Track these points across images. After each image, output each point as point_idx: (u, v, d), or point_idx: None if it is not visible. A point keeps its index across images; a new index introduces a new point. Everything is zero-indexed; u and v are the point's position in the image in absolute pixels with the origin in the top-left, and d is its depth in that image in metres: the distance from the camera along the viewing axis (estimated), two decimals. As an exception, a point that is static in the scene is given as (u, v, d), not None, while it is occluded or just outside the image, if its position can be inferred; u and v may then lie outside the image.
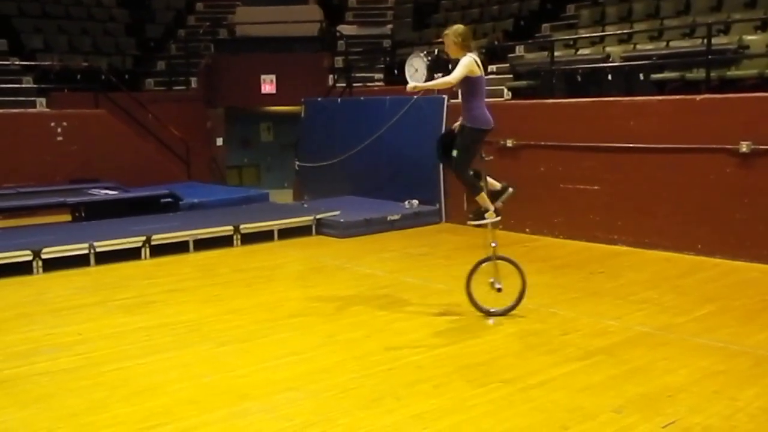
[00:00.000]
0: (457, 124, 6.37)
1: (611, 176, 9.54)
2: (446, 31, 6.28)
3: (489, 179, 6.36)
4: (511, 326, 6.18)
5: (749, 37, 9.66)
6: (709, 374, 4.98)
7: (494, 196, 6.38)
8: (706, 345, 5.58)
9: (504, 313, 6.39)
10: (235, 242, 9.88)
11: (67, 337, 6.07)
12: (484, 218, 6.31)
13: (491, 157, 6.50)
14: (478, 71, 6.08)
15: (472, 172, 6.28)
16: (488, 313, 6.41)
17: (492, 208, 6.28)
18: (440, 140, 6.58)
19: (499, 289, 6.32)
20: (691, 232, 8.79)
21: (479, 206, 6.32)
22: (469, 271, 6.41)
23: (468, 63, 5.99)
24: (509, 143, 10.45)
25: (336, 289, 7.61)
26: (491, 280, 6.35)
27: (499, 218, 6.36)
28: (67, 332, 6.22)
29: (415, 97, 11.06)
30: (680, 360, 5.26)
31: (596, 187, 9.68)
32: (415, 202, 11.53)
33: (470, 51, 6.12)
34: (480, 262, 6.42)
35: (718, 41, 9.65)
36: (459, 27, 6.27)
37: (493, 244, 6.36)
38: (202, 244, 9.59)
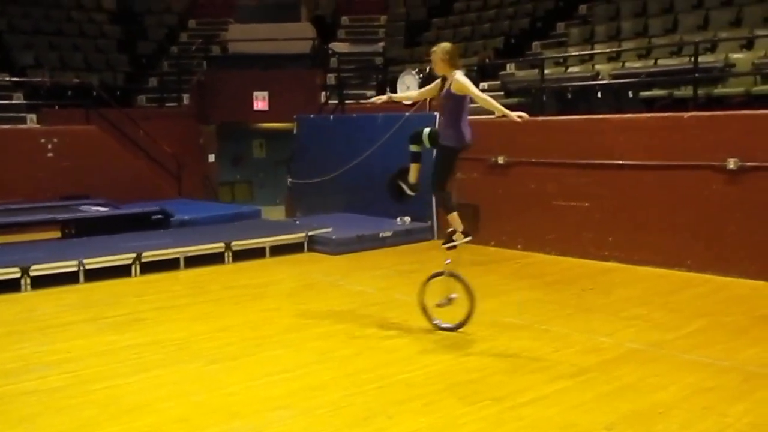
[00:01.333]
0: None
1: (602, 193, 9.58)
2: (434, 48, 6.33)
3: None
4: (502, 343, 6.18)
5: (735, 56, 9.77)
6: (699, 390, 4.99)
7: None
8: (696, 361, 5.60)
9: (452, 329, 6.44)
10: (226, 259, 9.86)
11: (55, 355, 6.03)
12: (453, 240, 6.36)
13: (463, 176, 6.60)
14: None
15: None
16: (438, 327, 6.49)
17: (461, 228, 6.32)
18: (391, 180, 6.74)
19: (439, 305, 6.39)
20: (681, 248, 8.83)
21: (451, 227, 6.38)
22: (422, 284, 6.53)
23: (468, 81, 6.04)
24: (500, 160, 10.49)
25: (327, 306, 7.60)
26: (450, 295, 6.38)
27: (469, 238, 6.39)
28: (56, 350, 6.17)
29: (407, 114, 11.10)
30: (671, 376, 5.27)
31: (587, 204, 9.72)
32: (407, 219, 11.54)
33: (457, 68, 6.17)
34: (433, 276, 6.52)
35: (705, 59, 9.76)
36: (446, 45, 6.32)
37: (447, 261, 6.41)
38: (193, 261, 9.56)
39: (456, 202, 6.46)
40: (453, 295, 6.37)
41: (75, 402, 4.99)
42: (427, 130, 6.42)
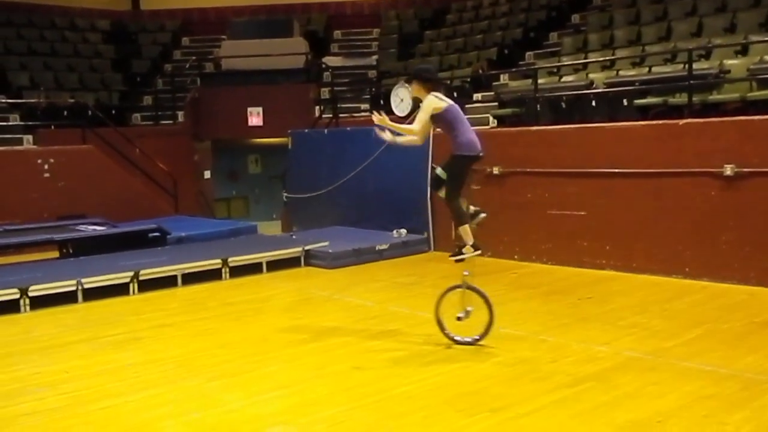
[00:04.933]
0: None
1: (597, 201, 9.59)
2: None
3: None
4: (500, 354, 6.16)
5: (730, 62, 9.78)
6: (699, 398, 4.97)
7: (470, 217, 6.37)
8: (695, 369, 5.59)
9: (470, 343, 6.36)
10: (223, 275, 9.85)
11: (54, 376, 6.01)
12: (462, 253, 6.31)
13: (478, 187, 6.54)
14: (443, 104, 6.18)
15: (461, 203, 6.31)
16: (454, 341, 6.42)
17: (471, 242, 6.25)
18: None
19: (459, 318, 6.30)
20: (678, 256, 8.83)
21: (461, 239, 6.32)
22: (439, 297, 6.46)
23: (426, 106, 6.15)
24: (496, 170, 10.50)
25: (325, 320, 7.59)
26: (467, 308, 6.30)
27: (479, 252, 6.33)
28: (54, 371, 6.15)
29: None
30: (670, 385, 5.26)
31: (583, 213, 9.73)
32: (404, 231, 11.54)
33: (433, 90, 6.24)
34: (450, 289, 6.44)
35: (700, 66, 9.77)
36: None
37: (465, 273, 6.34)
38: (191, 278, 9.56)
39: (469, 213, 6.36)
40: (470, 308, 6.29)
41: (73, 423, 4.97)
42: (439, 169, 6.41)
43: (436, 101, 6.16)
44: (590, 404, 4.94)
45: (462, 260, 6.34)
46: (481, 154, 6.24)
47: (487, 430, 4.60)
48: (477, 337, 6.36)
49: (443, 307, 6.46)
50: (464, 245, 6.29)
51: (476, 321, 6.29)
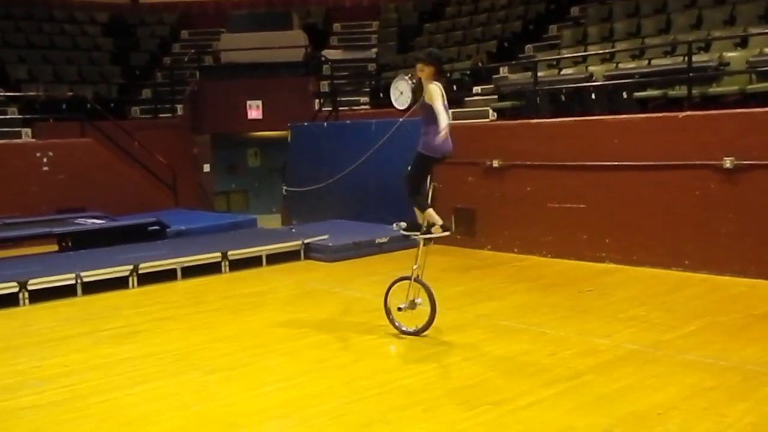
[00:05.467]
0: None
1: (597, 194, 9.58)
2: (420, 55, 6.44)
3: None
4: (500, 346, 6.17)
5: (729, 54, 9.76)
6: (699, 391, 4.97)
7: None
8: (694, 361, 5.59)
9: (413, 333, 6.51)
10: (223, 269, 9.85)
11: (53, 369, 6.01)
12: (431, 232, 6.39)
13: (440, 185, 6.67)
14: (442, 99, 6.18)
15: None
16: (400, 331, 6.57)
17: (440, 222, 6.34)
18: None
19: (399, 309, 6.51)
20: (677, 248, 8.82)
21: (431, 223, 6.41)
22: (388, 287, 6.64)
23: (436, 94, 6.09)
24: (495, 163, 10.49)
25: (325, 313, 7.59)
26: (412, 299, 6.50)
27: (448, 232, 6.41)
28: (54, 364, 6.15)
29: (401, 119, 11.10)
30: (669, 377, 5.26)
31: (583, 206, 9.72)
32: (403, 224, 11.47)
33: (436, 79, 6.24)
34: (399, 279, 6.64)
35: (699, 59, 9.74)
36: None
37: (414, 267, 6.49)
38: (190, 272, 9.55)
39: (430, 199, 6.51)
40: (418, 300, 6.49)
41: (73, 416, 4.97)
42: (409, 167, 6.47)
43: (440, 91, 6.14)
44: (590, 397, 4.94)
45: (430, 239, 6.47)
46: (447, 155, 6.31)
47: (487, 423, 4.59)
48: (419, 328, 6.50)
49: (392, 297, 6.62)
50: (432, 225, 6.36)
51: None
